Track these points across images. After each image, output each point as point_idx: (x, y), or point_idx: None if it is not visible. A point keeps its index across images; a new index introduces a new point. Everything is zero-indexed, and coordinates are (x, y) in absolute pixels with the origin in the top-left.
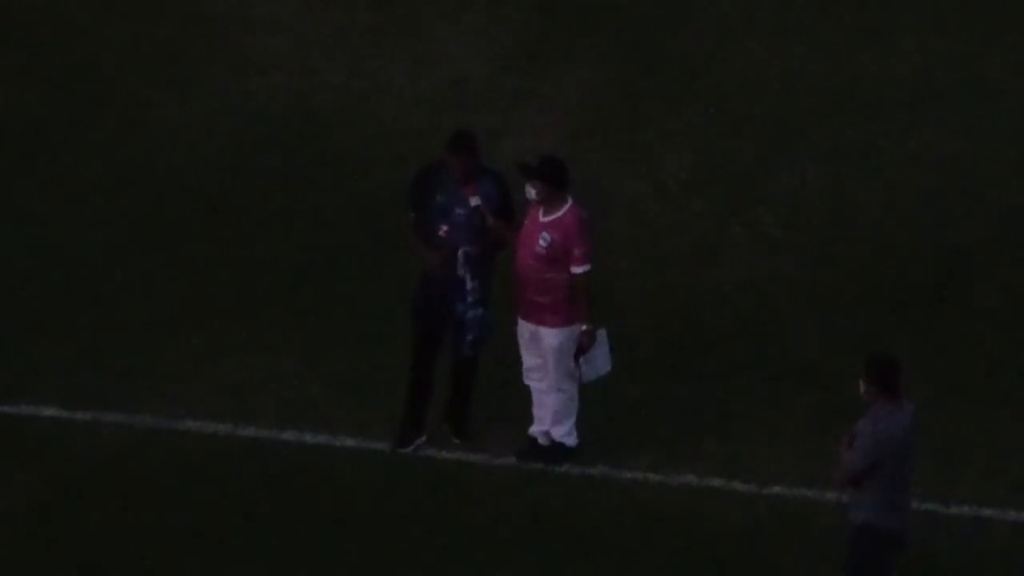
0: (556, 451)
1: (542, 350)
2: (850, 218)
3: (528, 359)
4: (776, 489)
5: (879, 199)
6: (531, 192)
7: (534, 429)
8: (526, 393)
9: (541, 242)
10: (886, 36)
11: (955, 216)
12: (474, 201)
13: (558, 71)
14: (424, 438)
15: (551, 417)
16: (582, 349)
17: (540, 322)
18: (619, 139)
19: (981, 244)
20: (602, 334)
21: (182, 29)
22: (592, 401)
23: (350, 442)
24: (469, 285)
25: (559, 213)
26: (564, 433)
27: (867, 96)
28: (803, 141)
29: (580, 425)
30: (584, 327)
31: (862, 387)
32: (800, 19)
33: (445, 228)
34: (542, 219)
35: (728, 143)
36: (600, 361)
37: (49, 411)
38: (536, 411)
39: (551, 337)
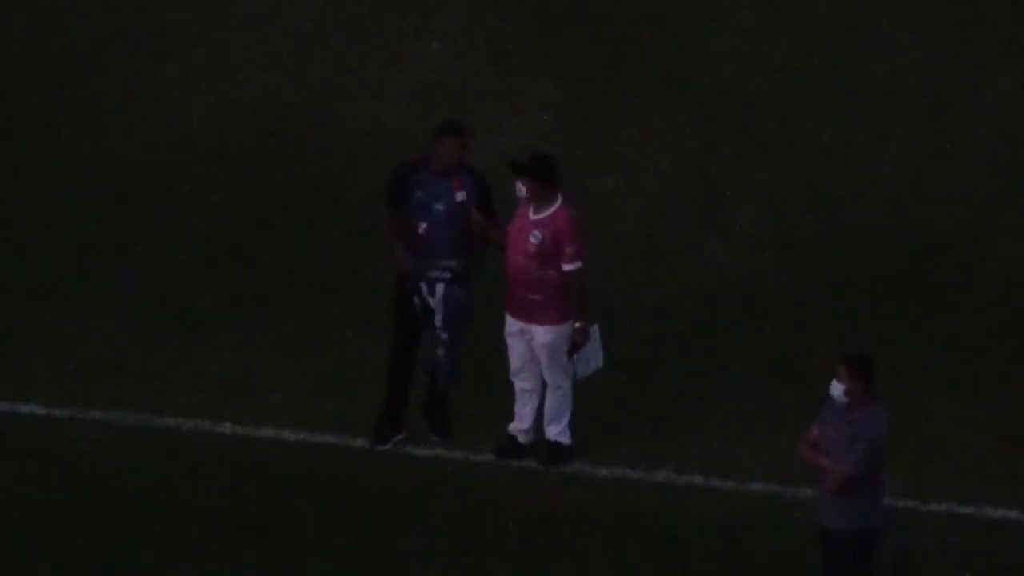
0: (556, 451)
1: (533, 348)
2: (828, 215)
3: (515, 359)
4: (755, 486)
5: (856, 195)
6: (522, 190)
7: (513, 427)
8: (505, 390)
9: (532, 239)
10: (863, 33)
11: (932, 212)
12: (460, 196)
13: (537, 69)
14: (403, 435)
15: (547, 415)
16: (576, 346)
17: (533, 320)
18: (597, 137)
19: (958, 240)
20: (595, 330)
21: (160, 25)
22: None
23: (328, 439)
24: (439, 322)
25: (550, 211)
26: (559, 432)
27: (844, 93)
28: (781, 138)
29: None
30: (578, 324)
31: (845, 386)
32: (777, 16)
33: (424, 226)
34: (532, 217)
35: (706, 140)
36: (593, 357)
37: (29, 408)
38: (518, 410)
39: (543, 335)
